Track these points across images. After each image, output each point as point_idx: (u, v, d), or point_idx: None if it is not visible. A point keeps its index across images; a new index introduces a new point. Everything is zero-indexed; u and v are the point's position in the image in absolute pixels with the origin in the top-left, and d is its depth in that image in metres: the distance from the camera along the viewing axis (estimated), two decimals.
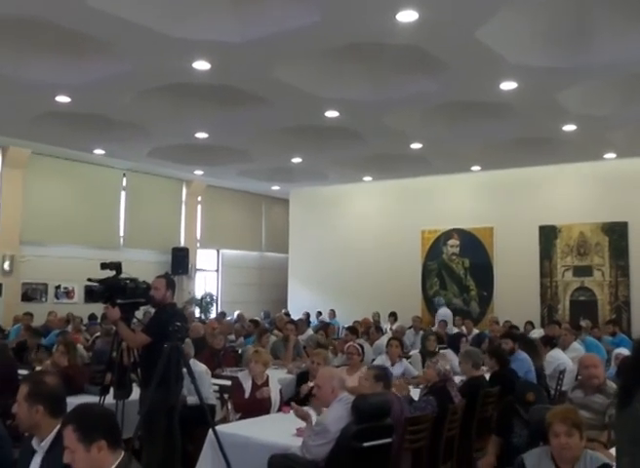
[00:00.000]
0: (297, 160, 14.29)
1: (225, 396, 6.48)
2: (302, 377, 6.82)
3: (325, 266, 17.54)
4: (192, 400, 5.82)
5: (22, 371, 6.66)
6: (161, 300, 5.45)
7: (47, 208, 14.28)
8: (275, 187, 18.36)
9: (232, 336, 11.08)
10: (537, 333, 11.19)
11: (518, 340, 7.91)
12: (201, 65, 8.34)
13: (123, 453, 2.66)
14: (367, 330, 11.35)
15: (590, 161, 13.79)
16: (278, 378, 6.73)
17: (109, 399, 5.08)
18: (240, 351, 9.60)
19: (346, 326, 11.73)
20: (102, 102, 10.04)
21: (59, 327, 10.49)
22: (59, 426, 2.94)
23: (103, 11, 6.75)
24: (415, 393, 5.97)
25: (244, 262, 19.58)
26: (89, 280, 5.25)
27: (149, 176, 16.38)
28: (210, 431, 4.77)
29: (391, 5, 6.68)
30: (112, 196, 15.86)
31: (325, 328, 11.49)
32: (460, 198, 15.92)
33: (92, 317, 12.60)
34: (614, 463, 2.98)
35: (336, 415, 4.22)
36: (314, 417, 4.55)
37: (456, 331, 12.65)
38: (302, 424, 4.68)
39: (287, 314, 14.85)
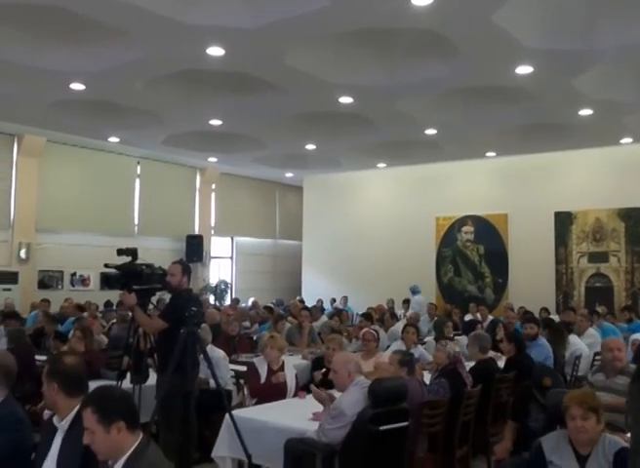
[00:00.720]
0: (310, 147, 14.26)
1: (241, 381, 6.51)
2: (318, 363, 6.84)
3: (339, 253, 17.54)
4: (212, 384, 5.85)
5: (40, 357, 6.71)
6: (177, 286, 5.47)
7: (62, 196, 14.36)
8: (289, 174, 18.35)
9: (247, 323, 11.11)
10: None
11: (545, 326, 7.85)
12: (215, 51, 8.33)
13: (142, 435, 2.69)
14: (381, 316, 11.34)
15: (607, 146, 13.67)
16: (293, 364, 6.74)
17: (126, 384, 5.11)
18: (255, 338, 9.64)
19: (360, 312, 11.72)
20: (117, 90, 10.06)
21: (72, 314, 10.56)
22: (78, 407, 2.97)
23: None
24: (427, 378, 5.98)
25: (258, 250, 19.61)
26: (105, 265, 5.27)
27: (163, 164, 16.42)
28: (226, 416, 4.79)
29: None
30: (127, 184, 15.92)
31: (339, 314, 11.49)
32: (475, 184, 15.85)
33: (107, 304, 12.67)
34: None
35: (352, 399, 4.23)
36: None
37: (470, 317, 12.62)
38: (319, 409, 4.70)
39: (301, 301, 14.88)
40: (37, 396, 4.57)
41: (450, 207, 16.09)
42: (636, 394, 2.76)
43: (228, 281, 18.49)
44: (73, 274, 14.65)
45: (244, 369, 6.61)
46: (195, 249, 16.68)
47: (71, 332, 7.49)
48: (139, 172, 16.16)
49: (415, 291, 15.26)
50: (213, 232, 18.14)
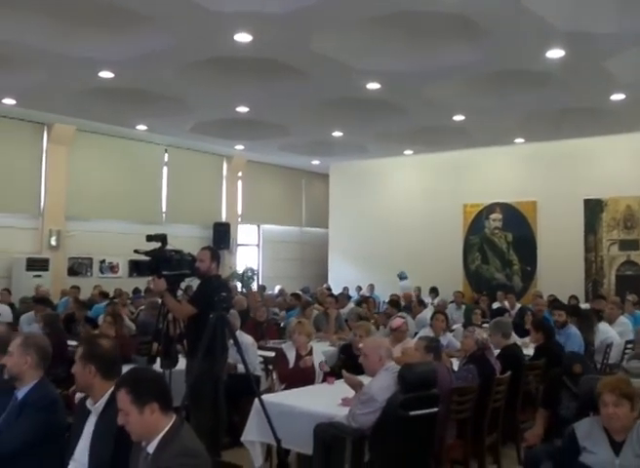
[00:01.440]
0: (337, 134, 14.22)
1: (270, 367, 6.54)
2: (345, 350, 6.84)
3: (365, 241, 17.50)
4: (241, 368, 5.88)
5: (71, 342, 6.81)
6: (206, 272, 5.49)
7: (91, 184, 14.48)
8: (315, 162, 18.32)
9: (276, 309, 11.16)
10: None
11: (573, 313, 7.77)
12: (243, 38, 8.31)
13: (175, 417, 2.71)
14: (409, 303, 11.32)
15: (638, 131, 13.42)
16: (321, 351, 6.76)
17: (156, 368, 5.16)
18: (282, 324, 9.67)
19: (386, 300, 11.71)
20: (145, 77, 10.11)
21: (98, 301, 10.71)
22: (112, 388, 3.00)
23: None
24: (456, 365, 5.95)
25: (284, 237, 19.65)
26: (135, 251, 5.31)
27: (190, 152, 16.49)
28: (256, 400, 4.82)
29: None
30: (154, 172, 16.02)
31: (366, 301, 11.48)
32: (503, 171, 15.69)
33: (136, 291, 12.78)
34: None
35: (383, 385, 4.22)
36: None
37: (498, 305, 12.53)
38: (348, 394, 4.70)
39: (328, 289, 14.88)
40: (69, 380, 4.62)
41: (477, 194, 15.95)
42: None
43: (255, 268, 18.56)
44: (102, 261, 14.80)
45: (272, 354, 6.64)
46: (222, 236, 16.77)
47: (101, 318, 7.60)
48: (166, 159, 16.25)
49: (402, 276, 15.42)
50: (239, 220, 18.20)
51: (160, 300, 5.70)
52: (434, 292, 14.61)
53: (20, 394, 3.35)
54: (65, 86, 10.54)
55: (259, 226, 19.10)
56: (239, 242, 18.10)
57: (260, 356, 6.86)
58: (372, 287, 16.20)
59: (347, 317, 9.71)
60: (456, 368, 5.75)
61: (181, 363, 5.53)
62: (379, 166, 17.51)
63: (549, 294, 12.69)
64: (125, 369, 3.06)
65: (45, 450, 3.20)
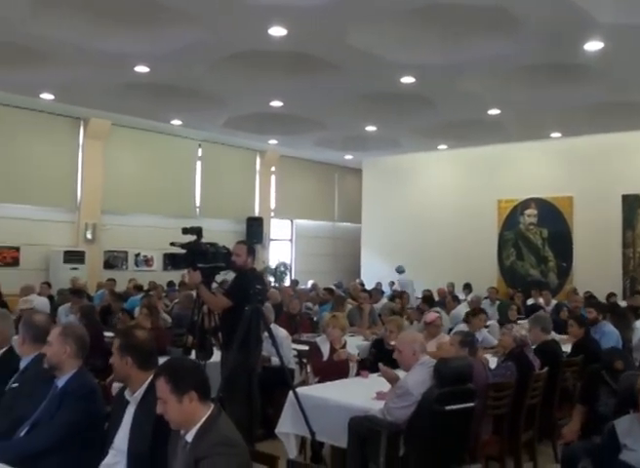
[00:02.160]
0: (371, 128, 14.17)
1: (304, 360, 6.55)
2: (377, 344, 6.82)
3: (398, 236, 17.41)
4: (275, 361, 5.90)
5: (108, 334, 6.90)
6: (242, 266, 5.51)
7: (126, 178, 14.65)
8: (348, 156, 18.28)
9: (309, 304, 11.17)
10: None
11: (608, 311, 7.64)
12: (277, 32, 8.32)
13: (213, 406, 2.72)
14: (443, 299, 11.25)
15: None
16: (355, 345, 6.75)
17: None
18: (315, 319, 9.68)
19: (419, 296, 11.65)
20: (180, 72, 10.18)
21: (133, 294, 10.83)
22: (150, 378, 3.04)
23: None
24: (492, 362, 5.89)
25: (317, 232, 19.66)
26: (172, 244, 5.34)
27: (224, 147, 16.58)
28: (290, 393, 4.83)
29: None
30: (188, 166, 16.15)
31: (400, 296, 11.43)
32: (539, 166, 15.49)
33: (170, 284, 12.92)
34: None
35: (418, 379, 4.20)
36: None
37: (532, 302, 12.41)
38: (382, 388, 4.68)
39: (361, 284, 14.87)
40: (106, 370, 4.68)
41: (512, 189, 15.77)
42: None
43: (288, 263, 18.62)
44: (137, 255, 14.98)
45: (306, 348, 6.66)
46: (255, 231, 16.82)
47: (137, 309, 7.69)
48: (200, 154, 16.37)
49: (399, 270, 15.44)
50: (272, 214, 18.27)
51: (195, 293, 5.74)
52: (468, 287, 14.50)
53: (60, 383, 3.40)
54: (102, 81, 10.67)
55: (291, 221, 19.15)
56: (272, 237, 18.16)
57: (294, 349, 6.88)
58: (411, 282, 16.02)
59: (381, 312, 9.68)
60: (491, 364, 5.69)
61: (216, 355, 5.57)
62: (412, 161, 17.41)
63: (585, 291, 12.53)
64: (160, 360, 3.09)
65: (85, 439, 3.24)
